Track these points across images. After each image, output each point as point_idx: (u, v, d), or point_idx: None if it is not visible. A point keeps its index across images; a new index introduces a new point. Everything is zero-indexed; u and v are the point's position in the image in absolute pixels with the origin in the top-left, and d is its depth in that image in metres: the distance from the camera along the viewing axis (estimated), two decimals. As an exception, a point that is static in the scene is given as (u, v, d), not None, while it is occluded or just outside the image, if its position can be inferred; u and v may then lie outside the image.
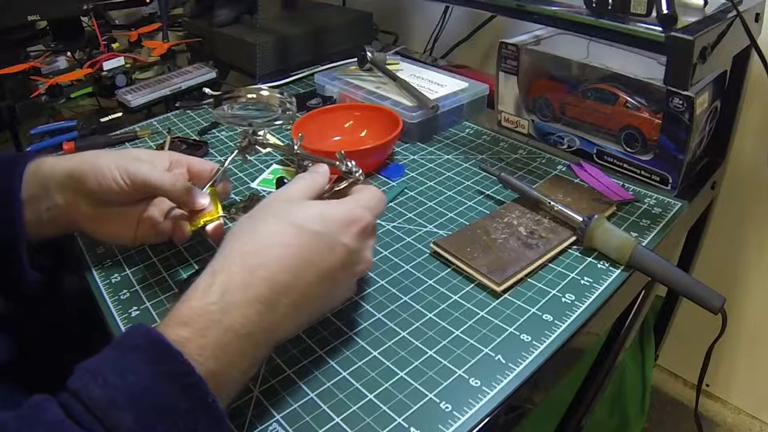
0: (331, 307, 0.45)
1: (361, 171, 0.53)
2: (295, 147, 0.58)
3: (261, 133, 0.57)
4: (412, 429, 0.39)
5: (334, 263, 0.41)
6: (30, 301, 0.54)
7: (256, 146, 0.59)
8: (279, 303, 0.38)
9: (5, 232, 0.49)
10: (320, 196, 0.47)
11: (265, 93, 0.56)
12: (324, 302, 0.43)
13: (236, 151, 0.57)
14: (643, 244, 0.55)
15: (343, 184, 0.55)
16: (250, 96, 0.56)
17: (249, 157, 0.59)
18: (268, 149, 0.62)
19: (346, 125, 0.79)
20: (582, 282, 0.52)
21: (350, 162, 0.53)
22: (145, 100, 0.93)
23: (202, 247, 0.59)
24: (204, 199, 0.53)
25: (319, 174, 0.47)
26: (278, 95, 0.56)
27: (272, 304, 0.38)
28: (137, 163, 0.51)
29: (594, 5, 0.62)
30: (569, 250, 0.57)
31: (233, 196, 0.68)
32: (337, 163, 0.53)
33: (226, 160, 0.57)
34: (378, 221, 0.62)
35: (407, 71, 0.91)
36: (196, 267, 0.56)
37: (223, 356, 0.35)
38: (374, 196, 0.46)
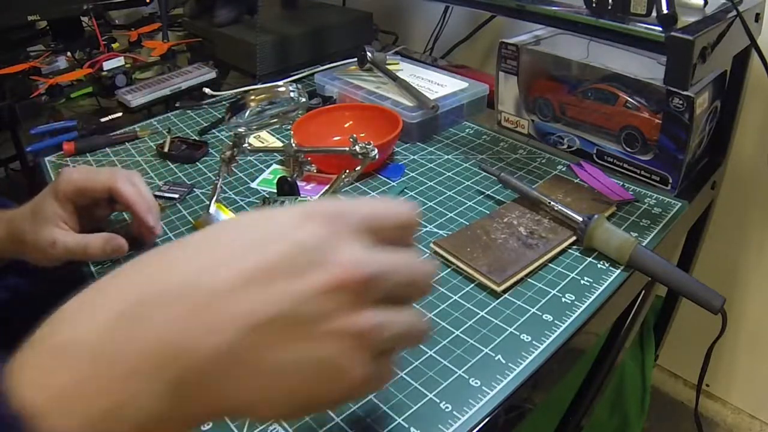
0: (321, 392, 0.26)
1: (376, 150, 0.52)
2: (293, 145, 0.58)
3: (247, 137, 0.57)
4: (412, 429, 0.39)
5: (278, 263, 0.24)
6: None
7: (246, 149, 0.59)
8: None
9: None
10: (338, 189, 0.44)
11: (281, 89, 0.55)
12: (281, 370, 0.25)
13: (222, 164, 0.57)
14: (643, 244, 0.55)
15: (359, 169, 0.54)
16: (261, 96, 0.54)
17: (234, 164, 0.59)
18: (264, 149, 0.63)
19: (346, 125, 0.79)
20: (582, 282, 0.52)
21: (363, 143, 0.52)
22: (145, 100, 0.93)
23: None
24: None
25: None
26: (290, 87, 0.56)
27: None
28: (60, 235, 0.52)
29: (594, 5, 0.62)
30: (569, 250, 0.57)
31: (234, 196, 0.68)
32: (347, 148, 0.53)
33: (218, 175, 0.56)
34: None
35: (407, 71, 0.91)
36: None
37: None
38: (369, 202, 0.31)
